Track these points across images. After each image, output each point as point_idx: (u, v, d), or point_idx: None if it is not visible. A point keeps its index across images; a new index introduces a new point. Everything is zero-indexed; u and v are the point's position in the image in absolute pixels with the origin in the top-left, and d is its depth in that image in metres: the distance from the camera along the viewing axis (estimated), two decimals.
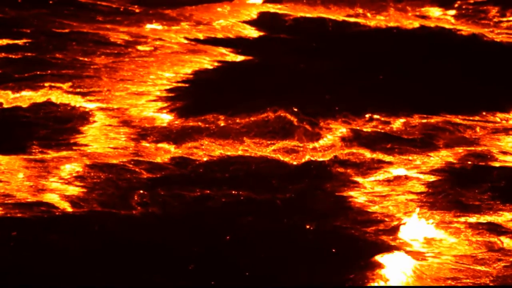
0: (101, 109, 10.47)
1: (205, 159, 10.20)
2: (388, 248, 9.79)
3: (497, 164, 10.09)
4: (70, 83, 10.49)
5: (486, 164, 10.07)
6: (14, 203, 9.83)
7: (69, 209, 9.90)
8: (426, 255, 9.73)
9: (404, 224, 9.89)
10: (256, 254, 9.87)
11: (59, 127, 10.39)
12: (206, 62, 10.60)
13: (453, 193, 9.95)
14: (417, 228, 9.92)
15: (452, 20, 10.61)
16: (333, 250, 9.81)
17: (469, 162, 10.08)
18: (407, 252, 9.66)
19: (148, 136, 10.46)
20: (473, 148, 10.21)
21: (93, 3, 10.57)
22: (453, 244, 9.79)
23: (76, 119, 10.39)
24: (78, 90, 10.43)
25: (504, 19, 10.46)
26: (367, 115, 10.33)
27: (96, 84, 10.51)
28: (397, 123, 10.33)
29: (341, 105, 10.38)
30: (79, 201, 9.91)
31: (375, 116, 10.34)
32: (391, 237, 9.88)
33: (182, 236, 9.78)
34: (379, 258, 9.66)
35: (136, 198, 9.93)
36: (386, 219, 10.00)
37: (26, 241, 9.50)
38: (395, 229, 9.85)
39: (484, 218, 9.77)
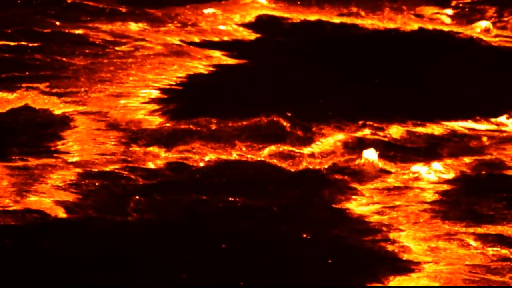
0: (81, 113, 10.21)
1: (201, 164, 9.97)
2: (388, 258, 9.59)
3: (511, 173, 9.96)
4: (47, 83, 10.19)
5: (500, 173, 9.94)
6: (4, 211, 9.56)
7: (63, 215, 9.60)
8: (431, 263, 9.56)
9: (407, 233, 9.73)
10: (252, 261, 9.66)
11: (41, 132, 10.14)
12: (194, 65, 10.33)
13: (466, 201, 9.79)
14: (422, 236, 9.77)
15: (448, 20, 10.43)
16: (330, 259, 9.63)
17: (483, 172, 9.93)
18: (409, 260, 9.49)
19: (139, 139, 10.20)
20: (481, 157, 10.06)
21: (79, 3, 10.20)
22: (463, 253, 9.63)
23: (57, 123, 10.14)
24: (55, 90, 10.14)
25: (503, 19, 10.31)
26: (360, 121, 10.19)
27: (74, 85, 10.22)
28: (392, 130, 10.17)
29: (335, 110, 10.21)
30: (74, 207, 9.65)
31: (368, 122, 10.19)
32: (389, 246, 9.68)
33: (177, 242, 9.54)
34: (378, 266, 9.51)
35: (131, 204, 9.71)
36: (384, 228, 9.82)
37: (20, 248, 9.24)
38: (397, 238, 9.66)
39: (495, 229, 9.63)
